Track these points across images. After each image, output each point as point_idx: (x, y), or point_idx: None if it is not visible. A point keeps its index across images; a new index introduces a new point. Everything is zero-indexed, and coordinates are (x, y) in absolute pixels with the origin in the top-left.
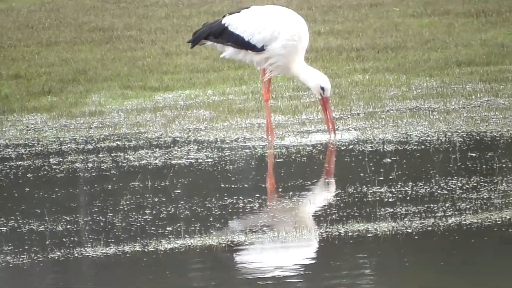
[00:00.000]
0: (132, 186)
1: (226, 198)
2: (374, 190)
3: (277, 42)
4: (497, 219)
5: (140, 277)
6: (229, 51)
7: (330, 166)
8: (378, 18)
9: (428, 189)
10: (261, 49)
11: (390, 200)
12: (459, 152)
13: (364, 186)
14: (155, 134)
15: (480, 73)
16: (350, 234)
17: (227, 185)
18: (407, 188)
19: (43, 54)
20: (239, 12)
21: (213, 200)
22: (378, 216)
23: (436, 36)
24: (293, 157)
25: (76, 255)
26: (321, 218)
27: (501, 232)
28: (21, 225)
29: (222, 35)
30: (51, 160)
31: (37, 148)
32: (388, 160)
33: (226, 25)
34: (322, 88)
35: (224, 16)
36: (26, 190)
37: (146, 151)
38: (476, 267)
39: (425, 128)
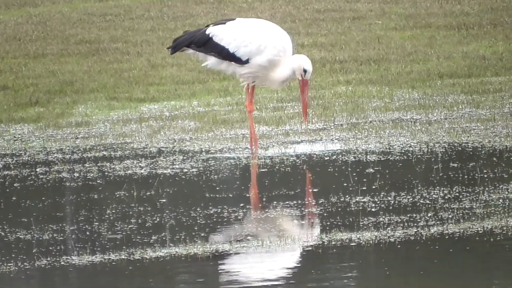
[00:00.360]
0: (118, 196)
1: (210, 208)
2: (357, 199)
3: (263, 55)
4: (479, 229)
5: (125, 285)
6: (211, 61)
7: (313, 176)
8: (360, 31)
9: (411, 199)
10: (245, 62)
11: (373, 209)
12: (441, 163)
13: (347, 196)
14: (140, 144)
15: (461, 85)
16: (333, 243)
17: (211, 195)
18: (389, 198)
19: (31, 66)
20: (224, 23)
21: (198, 209)
22: (361, 225)
23: (418, 49)
24: (277, 167)
25: (63, 263)
26: (305, 227)
27: (483, 241)
28: (8, 234)
29: (206, 45)
30: (38, 169)
31: (24, 158)
32: (371, 170)
33: (210, 35)
34: (305, 71)
35: (207, 26)
36: (13, 199)
37: (132, 161)
38: (457, 276)
39: (407, 139)
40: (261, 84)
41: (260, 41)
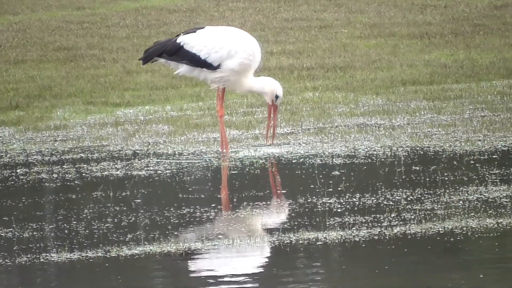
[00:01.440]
0: (94, 196)
1: (183, 208)
2: (324, 201)
3: (233, 60)
4: (440, 229)
5: (102, 281)
6: (183, 69)
7: (280, 178)
8: (327, 39)
9: (375, 200)
10: (216, 67)
11: (339, 210)
12: (404, 166)
13: (314, 197)
14: (116, 147)
15: (424, 92)
16: (300, 242)
17: (184, 195)
18: (354, 199)
19: (11, 71)
20: (194, 32)
21: (171, 209)
22: (327, 225)
23: (382, 57)
24: (246, 169)
25: (42, 260)
26: (274, 227)
27: (443, 241)
28: None
29: (177, 53)
30: (18, 170)
31: (4, 160)
32: (337, 172)
33: (181, 44)
34: (277, 96)
35: (178, 35)
36: None
37: (108, 163)
38: (418, 273)
39: (371, 143)
40: (231, 88)
41: (230, 46)
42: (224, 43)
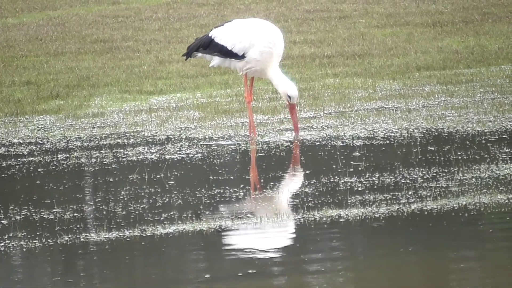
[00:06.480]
0: (131, 179)
1: (214, 188)
2: (345, 180)
3: (254, 49)
4: (454, 205)
5: (139, 259)
6: (216, 60)
7: (304, 159)
8: (346, 29)
9: (393, 179)
10: (242, 57)
11: (360, 189)
12: (419, 146)
13: (336, 177)
14: (150, 132)
15: (437, 77)
16: (324, 219)
17: (215, 177)
18: (374, 178)
19: (51, 63)
20: (223, 25)
21: (203, 190)
22: (349, 203)
23: (398, 44)
24: (273, 152)
25: (82, 240)
26: (298, 205)
27: (458, 216)
28: (33, 214)
29: (210, 46)
30: (59, 156)
31: (46, 146)
32: (357, 153)
33: (212, 37)
34: (289, 96)
35: (211, 30)
36: (37, 183)
37: (143, 147)
38: (435, 247)
39: (389, 125)
40: (258, 75)
41: (251, 36)
42: (246, 34)
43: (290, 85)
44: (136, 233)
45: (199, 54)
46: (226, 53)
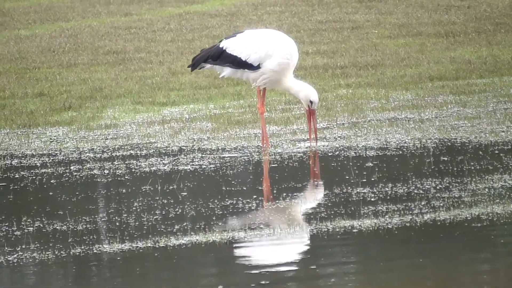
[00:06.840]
0: (143, 190)
1: (227, 199)
2: (358, 190)
3: (272, 60)
4: (467, 215)
5: (152, 270)
6: (227, 71)
7: (318, 170)
8: (359, 40)
9: (406, 189)
10: (257, 67)
11: (372, 199)
12: (432, 157)
13: (349, 187)
14: (163, 143)
15: (450, 87)
16: (337, 230)
17: (227, 188)
18: (387, 189)
19: (64, 74)
20: (235, 36)
21: (216, 201)
22: (362, 213)
23: (410, 55)
24: (285, 163)
25: (95, 251)
26: (311, 216)
27: (470, 226)
28: (46, 225)
29: (221, 57)
30: (71, 167)
31: (59, 157)
32: (370, 164)
33: (224, 48)
34: (311, 102)
35: (221, 41)
36: (50, 194)
37: (156, 158)
38: (447, 258)
39: (402, 136)
40: (271, 87)
41: (268, 47)
42: (262, 45)
43: (311, 90)
44: (149, 244)
45: (208, 66)
46: (240, 64)
